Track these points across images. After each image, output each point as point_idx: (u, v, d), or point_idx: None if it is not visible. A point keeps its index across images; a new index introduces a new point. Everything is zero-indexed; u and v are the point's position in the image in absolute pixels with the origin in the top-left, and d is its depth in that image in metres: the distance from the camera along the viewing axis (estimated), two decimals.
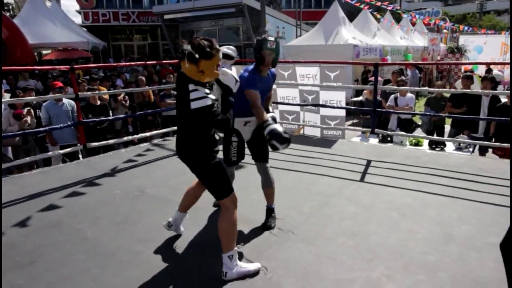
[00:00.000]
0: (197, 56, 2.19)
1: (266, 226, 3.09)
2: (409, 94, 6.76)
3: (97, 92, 6.05)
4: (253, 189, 3.88)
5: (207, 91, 2.29)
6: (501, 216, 3.10)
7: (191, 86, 2.26)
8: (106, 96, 6.23)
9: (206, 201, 3.38)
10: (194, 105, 2.24)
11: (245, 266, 2.47)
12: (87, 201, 3.63)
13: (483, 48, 19.02)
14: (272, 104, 5.85)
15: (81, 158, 5.46)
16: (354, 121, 10.26)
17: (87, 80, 7.82)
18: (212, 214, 3.34)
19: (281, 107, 6.99)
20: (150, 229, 3.06)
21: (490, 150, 5.59)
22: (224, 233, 2.40)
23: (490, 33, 21.65)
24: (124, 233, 3.03)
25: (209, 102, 2.25)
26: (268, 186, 3.14)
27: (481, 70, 14.46)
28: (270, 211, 3.17)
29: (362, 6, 15.77)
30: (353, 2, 14.89)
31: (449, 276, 2.39)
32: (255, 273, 2.46)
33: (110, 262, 2.62)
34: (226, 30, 25.26)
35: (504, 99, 5.82)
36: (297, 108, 6.93)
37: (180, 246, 2.82)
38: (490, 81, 5.92)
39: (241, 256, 2.60)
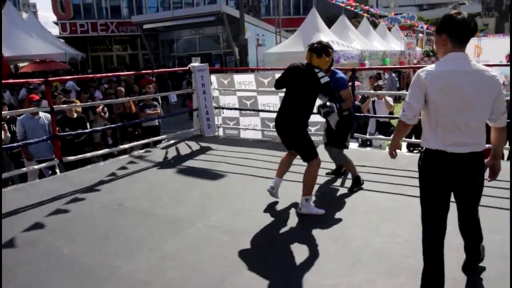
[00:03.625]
0: (330, 50, 3.47)
1: (352, 190, 3.86)
2: (387, 98, 6.86)
3: (73, 104, 5.94)
4: (235, 198, 3.86)
5: None
6: (481, 216, 3.14)
7: (317, 70, 3.33)
8: (80, 109, 6.11)
9: (190, 217, 3.34)
10: (323, 80, 3.28)
11: (315, 209, 3.34)
12: (64, 217, 3.54)
13: None
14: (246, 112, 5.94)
15: (58, 173, 5.33)
16: None
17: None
18: (196, 231, 3.29)
19: (262, 114, 6.99)
20: (130, 243, 3.00)
21: None
22: (306, 182, 3.31)
23: None
24: (103, 248, 2.95)
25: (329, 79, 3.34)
26: (347, 164, 3.95)
27: None
28: (356, 179, 3.89)
29: (342, 3, 15.85)
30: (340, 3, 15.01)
31: None
32: (318, 215, 3.29)
33: (88, 279, 2.55)
34: (207, 38, 25.28)
35: None
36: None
37: (160, 260, 2.77)
38: None
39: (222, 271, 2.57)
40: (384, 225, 3.14)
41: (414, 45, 19.83)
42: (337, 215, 3.37)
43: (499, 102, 2.06)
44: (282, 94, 6.55)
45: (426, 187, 2.19)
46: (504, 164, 3.23)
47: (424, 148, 2.18)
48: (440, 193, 2.15)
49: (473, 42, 19.39)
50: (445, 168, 2.08)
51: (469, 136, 2.06)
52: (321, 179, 4.21)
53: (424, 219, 2.24)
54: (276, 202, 3.69)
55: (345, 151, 4.07)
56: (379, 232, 3.03)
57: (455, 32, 2.04)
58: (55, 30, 25.92)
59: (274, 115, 6.79)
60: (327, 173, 4.35)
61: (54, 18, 26.73)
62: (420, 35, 23.49)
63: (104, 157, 6.05)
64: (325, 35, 13.53)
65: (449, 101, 2.01)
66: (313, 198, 3.49)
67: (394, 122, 7.30)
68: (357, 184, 3.91)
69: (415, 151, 5.86)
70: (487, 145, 2.25)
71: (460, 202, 2.23)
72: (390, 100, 6.87)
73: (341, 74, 3.89)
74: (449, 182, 2.12)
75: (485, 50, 17.74)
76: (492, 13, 76.89)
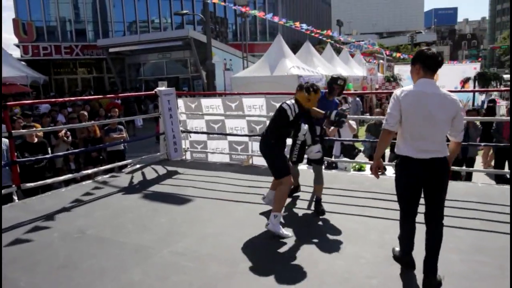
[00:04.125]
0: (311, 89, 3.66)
1: (318, 212, 3.92)
2: (350, 121, 7.09)
3: (33, 129, 5.75)
4: (203, 223, 3.83)
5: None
6: None
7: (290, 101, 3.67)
8: (41, 133, 5.92)
9: (155, 245, 3.28)
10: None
11: (282, 229, 3.43)
12: (22, 247, 3.37)
13: None
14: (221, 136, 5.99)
15: (16, 200, 5.08)
16: None
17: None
18: (161, 259, 3.23)
19: (230, 138, 7.03)
20: (91, 273, 2.90)
21: None
22: (277, 199, 3.51)
23: None
24: (63, 279, 2.83)
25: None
26: (318, 183, 4.08)
27: None
28: (318, 201, 4.01)
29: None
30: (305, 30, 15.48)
31: None
32: (282, 237, 3.36)
33: None
34: (174, 62, 25.33)
35: None
36: (246, 139, 7.00)
37: None
38: None
39: None
40: (348, 246, 3.20)
41: (376, 70, 20.69)
42: (303, 238, 3.41)
43: (458, 120, 2.56)
44: (249, 118, 6.73)
45: (400, 186, 2.71)
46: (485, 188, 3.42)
47: (397, 154, 2.68)
48: (411, 189, 2.64)
49: None
50: (413, 170, 2.57)
51: (432, 144, 2.53)
52: (299, 203, 4.26)
53: (401, 210, 2.78)
54: (244, 227, 3.69)
55: (310, 172, 4.19)
56: (344, 254, 3.09)
57: (426, 63, 2.57)
58: (17, 53, 25.19)
59: (241, 138, 6.94)
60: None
61: (16, 41, 26.02)
62: (381, 61, 24.56)
63: (66, 183, 5.84)
64: (291, 61, 13.93)
65: (416, 114, 2.51)
66: (281, 219, 3.55)
67: (358, 145, 7.53)
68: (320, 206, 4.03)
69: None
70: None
71: (428, 198, 2.64)
72: (353, 123, 7.10)
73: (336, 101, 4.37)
74: (417, 181, 2.59)
75: (441, 77, 18.75)
76: (446, 41, 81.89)
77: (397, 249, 2.87)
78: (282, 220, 3.58)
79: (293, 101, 3.68)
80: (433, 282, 2.51)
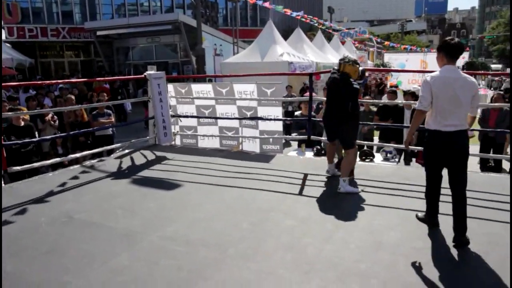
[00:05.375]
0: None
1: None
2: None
3: (19, 112, 5.63)
4: (192, 208, 3.82)
5: None
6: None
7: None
8: (27, 116, 5.81)
9: (144, 229, 3.27)
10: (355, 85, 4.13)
11: (351, 188, 4.10)
12: (7, 232, 3.32)
13: (405, 65, 20.66)
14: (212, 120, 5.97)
15: (3, 184, 5.01)
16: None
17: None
18: (150, 243, 3.22)
19: (220, 123, 7.00)
20: (80, 258, 2.87)
21: (414, 160, 6.03)
22: (344, 166, 4.15)
23: (413, 48, 23.53)
24: (50, 264, 2.81)
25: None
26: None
27: (404, 86, 15.65)
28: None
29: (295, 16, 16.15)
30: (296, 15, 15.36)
31: (379, 282, 2.51)
32: (355, 193, 4.02)
33: None
34: (163, 47, 24.95)
35: None
36: (236, 124, 6.97)
37: (112, 274, 2.68)
38: (411, 95, 6.42)
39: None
40: (337, 232, 3.23)
41: (366, 58, 20.72)
42: (293, 223, 3.43)
43: (476, 99, 3.02)
44: (240, 104, 6.69)
45: (429, 157, 3.13)
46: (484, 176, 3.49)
47: (426, 129, 3.10)
48: (439, 156, 3.06)
49: (419, 57, 20.62)
50: (441, 140, 2.99)
51: (457, 120, 2.97)
52: (279, 186, 4.28)
53: (428, 178, 3.19)
54: (234, 211, 3.70)
55: (300, 159, 4.19)
56: (332, 239, 3.11)
57: (449, 52, 3.01)
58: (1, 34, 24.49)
59: (232, 124, 6.90)
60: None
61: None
62: (371, 49, 24.58)
63: (54, 167, 5.78)
64: (281, 47, 13.84)
65: (444, 96, 2.94)
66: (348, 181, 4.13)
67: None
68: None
69: (366, 160, 6.09)
70: None
71: (452, 165, 3.04)
72: None
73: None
74: (444, 149, 3.00)
75: (430, 64, 18.90)
76: (436, 30, 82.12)
77: (420, 214, 3.30)
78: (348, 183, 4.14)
79: (351, 79, 4.11)
80: (463, 239, 2.91)
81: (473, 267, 2.71)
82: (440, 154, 3.03)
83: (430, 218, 3.21)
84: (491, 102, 7.07)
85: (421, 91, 3.04)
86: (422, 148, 3.22)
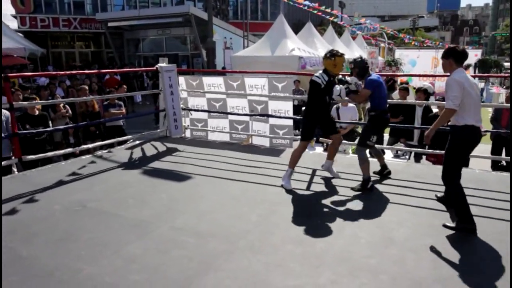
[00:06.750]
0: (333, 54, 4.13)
1: (353, 189, 4.10)
2: (350, 105, 7.07)
3: (33, 102, 5.70)
4: (202, 200, 3.86)
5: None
6: (435, 219, 3.32)
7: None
8: (39, 106, 5.88)
9: (155, 220, 3.30)
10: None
11: (286, 180, 4.17)
12: (21, 218, 3.40)
13: (416, 62, 20.43)
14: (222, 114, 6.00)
15: (16, 172, 5.09)
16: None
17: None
18: (161, 233, 3.26)
19: (230, 117, 7.01)
20: (92, 245, 2.92)
21: (424, 157, 6.00)
22: (291, 156, 4.27)
23: (427, 43, 23.13)
24: (64, 250, 2.86)
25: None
26: (362, 163, 4.16)
27: (415, 82, 15.49)
28: (365, 181, 4.09)
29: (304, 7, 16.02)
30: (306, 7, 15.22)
31: (389, 278, 2.52)
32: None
33: (48, 282, 2.47)
34: (173, 39, 25.00)
35: (435, 109, 6.28)
36: (247, 118, 6.98)
37: (124, 262, 2.72)
38: (423, 92, 6.36)
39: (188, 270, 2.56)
40: (347, 227, 3.24)
41: (377, 54, 20.54)
42: (302, 217, 3.44)
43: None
44: (251, 98, 6.69)
45: (462, 150, 3.20)
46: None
47: (460, 125, 3.16)
48: (468, 153, 3.28)
49: (431, 55, 20.35)
50: (477, 136, 3.18)
51: (480, 115, 3.23)
52: (299, 184, 4.29)
53: (455, 171, 3.19)
54: (242, 204, 3.72)
55: (309, 154, 4.19)
56: (343, 234, 3.12)
57: (457, 58, 3.23)
58: (14, 24, 24.69)
59: (242, 118, 6.91)
60: (374, 172, 4.48)
61: (12, 11, 25.50)
62: (382, 44, 24.34)
63: (65, 157, 5.85)
64: (292, 41, 13.76)
65: (472, 93, 3.16)
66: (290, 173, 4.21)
67: (358, 129, 7.53)
68: (364, 186, 4.05)
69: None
70: None
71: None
72: (353, 108, 7.07)
73: (373, 76, 4.22)
74: (476, 145, 3.21)
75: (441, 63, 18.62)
76: (448, 27, 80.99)
77: (451, 224, 3.13)
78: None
79: (320, 71, 4.16)
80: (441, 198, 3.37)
81: (482, 265, 2.70)
82: (473, 147, 3.22)
83: (471, 224, 3.08)
84: (506, 100, 6.99)
85: (453, 91, 3.12)
86: (449, 145, 3.19)
